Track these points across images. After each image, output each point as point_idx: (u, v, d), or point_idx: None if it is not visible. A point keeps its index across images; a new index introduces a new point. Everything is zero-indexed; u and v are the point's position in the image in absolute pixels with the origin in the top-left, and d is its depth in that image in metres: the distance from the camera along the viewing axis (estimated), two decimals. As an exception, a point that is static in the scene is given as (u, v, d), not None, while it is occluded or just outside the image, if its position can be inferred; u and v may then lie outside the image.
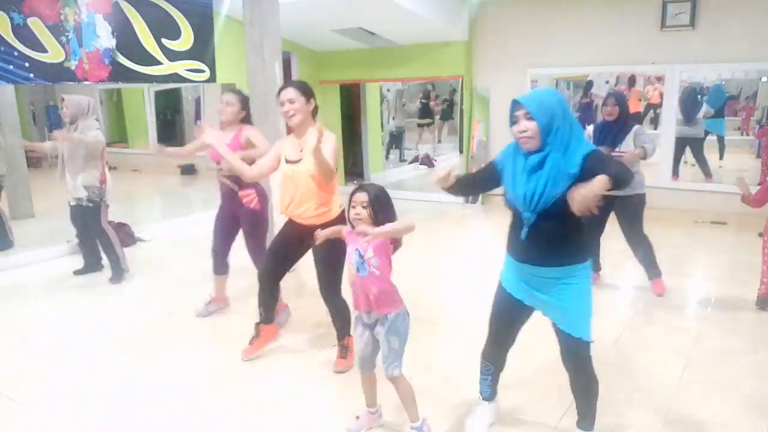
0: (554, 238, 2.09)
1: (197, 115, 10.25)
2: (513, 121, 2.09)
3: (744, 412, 2.71)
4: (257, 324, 3.38)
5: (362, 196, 2.31)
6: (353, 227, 2.37)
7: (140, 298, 4.47)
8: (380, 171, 9.53)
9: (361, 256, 2.34)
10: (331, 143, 2.87)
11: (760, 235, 5.83)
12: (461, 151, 8.23)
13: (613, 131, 4.12)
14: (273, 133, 4.44)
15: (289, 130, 3.31)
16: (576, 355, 2.22)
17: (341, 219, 3.00)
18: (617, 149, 4.06)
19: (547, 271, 2.14)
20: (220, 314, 4.07)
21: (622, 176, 1.91)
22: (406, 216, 2.39)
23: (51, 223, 6.57)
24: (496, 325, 2.43)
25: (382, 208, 2.31)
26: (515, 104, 2.08)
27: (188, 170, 10.27)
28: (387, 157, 10.30)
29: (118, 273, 4.76)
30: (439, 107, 10.37)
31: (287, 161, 3.03)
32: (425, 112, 10.25)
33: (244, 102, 3.73)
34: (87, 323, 4.03)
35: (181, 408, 2.85)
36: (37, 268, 5.33)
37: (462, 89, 7.92)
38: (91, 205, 4.61)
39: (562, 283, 2.14)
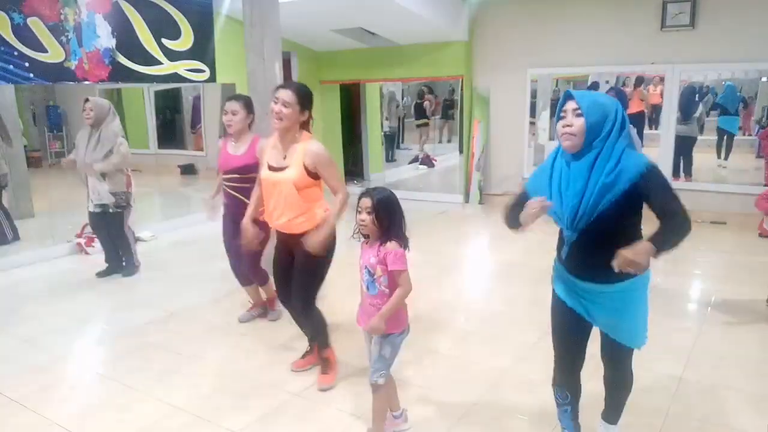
0: (599, 256, 1.87)
1: (196, 115, 10.24)
2: (560, 116, 1.92)
3: (744, 412, 2.71)
4: (311, 341, 3.22)
5: (366, 202, 2.26)
6: (362, 234, 2.33)
7: (140, 299, 4.47)
8: (380, 171, 9.53)
9: (370, 274, 2.29)
10: (327, 160, 2.76)
11: (761, 235, 5.87)
12: (461, 151, 8.23)
13: None
14: (272, 134, 4.43)
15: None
16: (617, 355, 2.12)
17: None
18: None
19: (595, 287, 1.98)
20: (217, 314, 4.07)
21: (675, 235, 1.77)
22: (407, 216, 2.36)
23: (51, 222, 6.56)
24: (560, 343, 2.18)
25: (386, 214, 2.25)
26: (566, 97, 1.92)
27: (188, 170, 10.26)
28: (390, 158, 10.28)
29: (131, 269, 4.91)
30: (432, 107, 10.34)
31: (269, 167, 2.83)
32: (420, 112, 10.25)
33: (249, 106, 3.61)
34: (87, 323, 4.03)
35: (183, 408, 2.85)
36: (37, 268, 5.33)
37: (462, 89, 7.93)
38: (118, 210, 4.65)
39: (617, 296, 1.98)
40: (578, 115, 1.86)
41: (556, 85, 8.27)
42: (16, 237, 5.93)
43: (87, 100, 4.54)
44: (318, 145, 2.78)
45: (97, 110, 4.50)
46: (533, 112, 7.77)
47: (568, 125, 1.87)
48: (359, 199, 2.29)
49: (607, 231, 1.86)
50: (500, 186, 7.91)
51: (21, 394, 3.00)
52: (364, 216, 2.25)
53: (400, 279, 2.27)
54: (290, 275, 2.98)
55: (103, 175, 4.56)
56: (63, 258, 5.62)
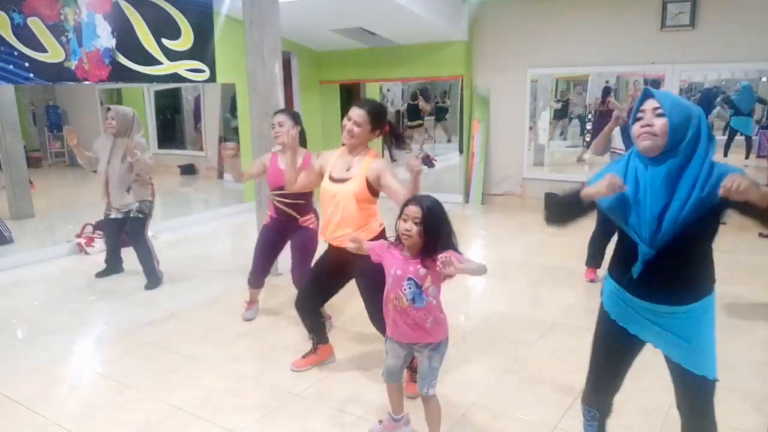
0: (676, 276, 1.74)
1: (197, 115, 10.25)
2: (637, 116, 1.74)
3: (744, 412, 2.71)
4: (315, 343, 3.23)
5: (414, 210, 2.11)
6: (401, 242, 2.21)
7: (140, 299, 4.47)
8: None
9: (418, 285, 2.17)
10: (391, 169, 2.75)
11: (761, 235, 5.87)
12: (461, 151, 8.23)
13: None
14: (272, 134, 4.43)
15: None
16: (696, 395, 1.85)
17: (380, 239, 2.77)
18: None
19: (664, 308, 1.79)
20: (216, 314, 4.07)
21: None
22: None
23: (51, 223, 6.57)
24: (600, 364, 2.00)
25: (435, 224, 2.12)
26: (645, 96, 1.73)
27: (188, 170, 10.27)
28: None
29: (155, 281, 4.67)
30: (428, 108, 10.31)
31: (332, 179, 2.79)
32: (414, 113, 10.25)
33: (296, 118, 3.57)
34: (87, 323, 4.03)
35: (183, 408, 2.85)
36: (37, 268, 5.33)
37: (462, 89, 7.93)
38: (140, 216, 4.50)
39: (689, 319, 1.79)
40: (659, 115, 1.68)
41: (557, 85, 8.28)
42: None
43: (109, 109, 4.40)
44: (382, 160, 2.80)
45: (120, 120, 4.35)
46: (533, 113, 7.78)
47: (648, 125, 1.69)
48: (404, 206, 2.17)
49: (690, 249, 1.72)
50: (500, 186, 7.92)
51: (21, 394, 2.99)
52: (410, 225, 2.11)
53: (468, 264, 2.10)
54: (325, 287, 3.00)
55: (128, 190, 4.43)
56: (63, 258, 5.62)
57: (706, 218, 1.67)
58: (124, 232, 4.75)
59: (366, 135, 2.76)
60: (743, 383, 2.96)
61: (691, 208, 1.65)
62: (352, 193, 2.72)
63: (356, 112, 2.73)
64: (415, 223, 2.11)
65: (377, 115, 2.78)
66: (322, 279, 3.00)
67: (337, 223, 2.77)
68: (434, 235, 2.13)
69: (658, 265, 1.73)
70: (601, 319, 1.97)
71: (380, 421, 2.58)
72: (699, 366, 1.80)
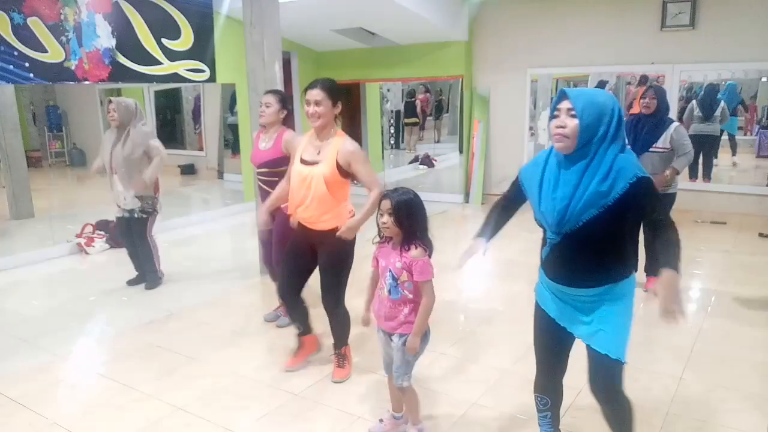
0: (582, 260, 1.86)
1: (196, 115, 10.24)
2: (553, 114, 1.83)
3: (744, 412, 2.71)
4: (298, 336, 3.23)
5: (386, 204, 2.25)
6: (385, 236, 2.32)
7: (140, 299, 4.47)
8: (380, 171, 9.53)
9: (394, 278, 2.27)
10: (361, 158, 2.80)
11: (761, 235, 5.87)
12: (461, 151, 8.23)
13: (649, 125, 4.03)
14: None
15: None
16: (607, 377, 1.94)
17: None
18: (653, 145, 4.00)
19: (576, 291, 1.92)
20: (216, 314, 4.07)
21: (677, 246, 1.70)
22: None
23: (51, 223, 6.56)
24: (540, 351, 2.13)
25: (407, 216, 2.24)
26: (561, 96, 1.81)
27: (188, 170, 10.27)
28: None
29: (154, 281, 4.65)
30: (429, 106, 10.29)
31: (302, 161, 2.86)
32: (410, 111, 10.24)
33: (283, 101, 3.63)
34: (87, 323, 4.03)
35: (183, 408, 2.85)
36: (37, 268, 5.33)
37: (462, 89, 7.93)
38: (144, 216, 4.45)
39: (595, 303, 1.91)
40: (572, 116, 1.76)
41: (557, 85, 8.27)
42: None
43: (110, 101, 4.39)
44: (353, 143, 2.82)
45: (121, 111, 4.33)
46: (533, 112, 7.78)
47: (560, 126, 1.78)
48: (381, 201, 2.29)
49: (593, 236, 1.81)
50: (500, 186, 7.91)
51: (21, 394, 2.99)
52: (386, 218, 2.24)
53: (425, 289, 2.28)
54: (299, 268, 3.02)
55: (131, 178, 4.34)
56: (63, 258, 5.62)
57: (611, 210, 1.75)
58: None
59: (330, 111, 2.80)
60: (743, 383, 2.96)
61: (590, 199, 1.76)
62: (323, 176, 2.77)
63: (313, 93, 2.77)
64: (389, 214, 2.24)
65: (331, 87, 2.82)
66: (297, 262, 3.03)
67: (308, 205, 2.83)
68: (408, 224, 2.25)
69: (563, 250, 1.88)
70: (535, 309, 2.10)
71: (381, 420, 2.58)
72: (603, 345, 1.89)
